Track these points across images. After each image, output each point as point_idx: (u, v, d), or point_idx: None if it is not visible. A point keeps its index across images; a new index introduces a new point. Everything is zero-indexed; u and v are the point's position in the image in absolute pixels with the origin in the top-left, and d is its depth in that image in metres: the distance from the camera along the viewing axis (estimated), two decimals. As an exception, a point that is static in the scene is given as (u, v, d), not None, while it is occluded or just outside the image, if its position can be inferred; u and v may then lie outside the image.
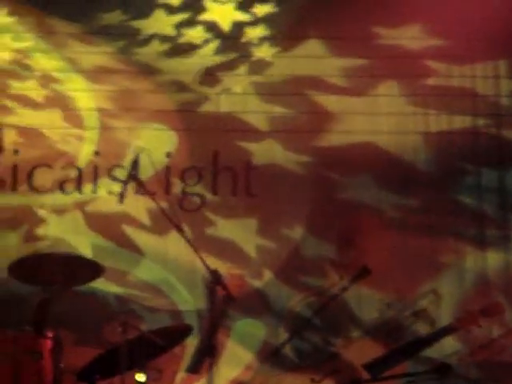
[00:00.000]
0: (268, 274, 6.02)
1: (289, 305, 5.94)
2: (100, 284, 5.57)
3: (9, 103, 6.11)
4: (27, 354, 4.73)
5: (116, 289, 5.90)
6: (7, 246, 5.90)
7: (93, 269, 5.13)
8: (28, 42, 6.18)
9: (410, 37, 6.20)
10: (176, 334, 5.18)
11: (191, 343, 5.68)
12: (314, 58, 6.25)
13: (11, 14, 6.15)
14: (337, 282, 5.84)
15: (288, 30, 6.30)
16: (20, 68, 6.17)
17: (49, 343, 4.79)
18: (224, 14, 6.29)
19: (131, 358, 4.78)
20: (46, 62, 6.20)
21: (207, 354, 4.68)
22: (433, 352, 5.54)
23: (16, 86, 6.15)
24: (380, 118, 6.17)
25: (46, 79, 6.18)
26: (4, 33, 6.17)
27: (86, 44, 6.21)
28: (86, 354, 5.14)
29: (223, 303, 4.74)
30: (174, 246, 5.80)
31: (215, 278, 4.71)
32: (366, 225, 6.03)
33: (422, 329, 5.76)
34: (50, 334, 4.81)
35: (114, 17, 6.21)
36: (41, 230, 6.00)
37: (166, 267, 6.00)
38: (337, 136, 6.19)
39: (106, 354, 4.96)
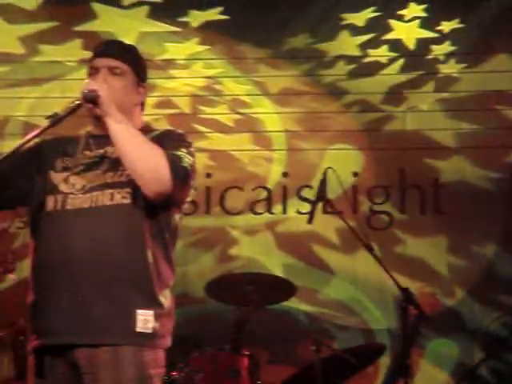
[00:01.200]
0: (460, 293, 5.94)
1: (483, 324, 5.83)
2: (292, 303, 5.67)
3: (201, 128, 6.33)
4: (226, 372, 4.85)
5: (307, 308, 5.99)
6: (203, 266, 6.11)
7: (286, 288, 5.22)
8: (218, 68, 6.40)
9: None
10: (369, 353, 5.17)
11: (384, 363, 5.69)
12: (501, 72, 6.14)
13: (203, 42, 6.39)
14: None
15: (474, 45, 6.22)
16: (211, 94, 6.40)
17: (246, 361, 4.90)
18: (409, 32, 6.28)
19: (325, 377, 4.81)
20: (235, 86, 6.40)
21: (401, 374, 4.65)
22: None
23: (207, 111, 6.37)
24: None
25: (236, 103, 6.38)
26: (196, 60, 6.41)
27: (274, 68, 6.36)
28: (280, 372, 5.24)
29: (416, 322, 4.70)
30: (364, 264, 5.82)
31: (407, 297, 4.68)
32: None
33: None
34: (246, 353, 4.92)
35: (300, 40, 6.32)
36: (234, 251, 6.18)
37: (356, 286, 6.03)
38: (528, 151, 6.05)
39: (300, 372, 5.03)
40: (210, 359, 4.87)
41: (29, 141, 2.83)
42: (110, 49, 3.06)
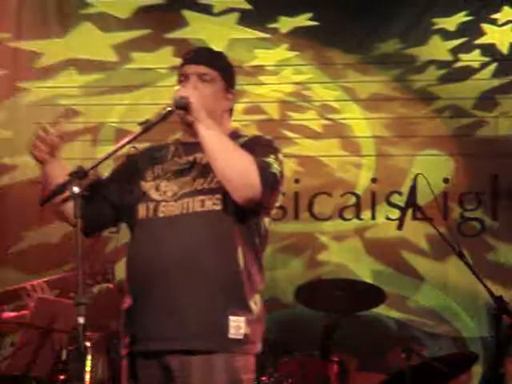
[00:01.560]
0: (555, 301, 5.81)
1: None
2: (381, 309, 5.63)
3: (290, 134, 6.34)
4: (315, 378, 4.85)
5: (397, 314, 5.95)
6: (291, 271, 6.12)
7: (376, 294, 5.19)
8: (307, 74, 6.40)
9: None
10: (461, 361, 5.10)
11: (477, 372, 5.60)
12: None
13: (292, 48, 6.41)
14: None
15: None
16: (300, 99, 6.40)
17: (335, 368, 4.89)
18: (502, 36, 6.19)
19: (415, 384, 4.78)
20: (324, 92, 6.39)
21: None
22: None
23: (296, 117, 6.38)
24: None
25: (325, 109, 6.37)
26: (285, 67, 6.43)
27: (363, 73, 6.33)
28: (369, 379, 5.21)
29: (509, 331, 4.62)
30: (455, 271, 5.76)
31: (500, 305, 4.60)
32: None
33: None
34: (335, 359, 4.91)
35: (390, 46, 6.28)
36: (323, 256, 6.18)
37: (446, 293, 5.96)
38: None
39: (390, 380, 4.99)
40: (299, 365, 4.88)
41: (122, 147, 2.87)
42: (199, 56, 3.08)
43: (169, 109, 2.88)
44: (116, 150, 2.85)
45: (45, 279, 4.32)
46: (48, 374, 4.58)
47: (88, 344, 4.77)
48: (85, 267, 4.20)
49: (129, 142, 2.87)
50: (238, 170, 2.83)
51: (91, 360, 4.65)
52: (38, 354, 4.46)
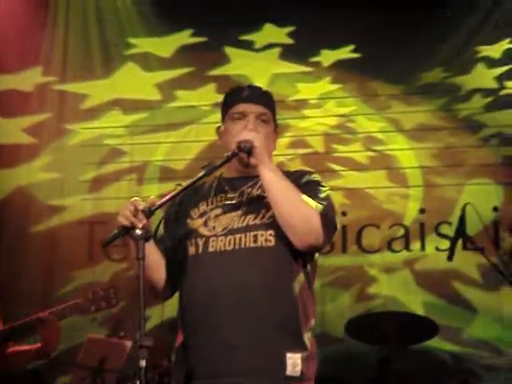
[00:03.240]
0: None
1: None
2: (435, 342, 5.53)
3: (335, 166, 6.31)
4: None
5: (451, 347, 5.84)
6: (341, 305, 6.06)
7: (428, 327, 5.11)
8: (351, 106, 6.39)
9: None
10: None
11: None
12: None
13: (334, 81, 6.41)
14: None
15: None
16: (344, 132, 6.38)
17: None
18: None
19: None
20: (368, 124, 6.37)
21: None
22: None
23: (341, 150, 6.36)
24: None
25: (370, 141, 6.34)
26: (328, 99, 6.42)
27: (407, 104, 6.30)
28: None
29: None
30: (509, 301, 5.65)
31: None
32: None
33: None
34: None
35: (434, 75, 6.25)
36: (372, 289, 6.10)
37: (501, 324, 5.84)
38: None
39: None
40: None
41: (186, 189, 2.86)
42: (256, 95, 3.06)
43: (233, 152, 2.87)
44: (179, 193, 2.85)
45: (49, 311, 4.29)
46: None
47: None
48: (88, 294, 4.23)
49: (192, 184, 2.87)
50: (301, 217, 2.81)
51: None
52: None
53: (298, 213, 2.82)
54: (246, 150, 2.87)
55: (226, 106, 3.07)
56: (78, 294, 4.34)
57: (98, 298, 4.25)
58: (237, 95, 3.06)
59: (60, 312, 4.20)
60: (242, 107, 3.01)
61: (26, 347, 4.27)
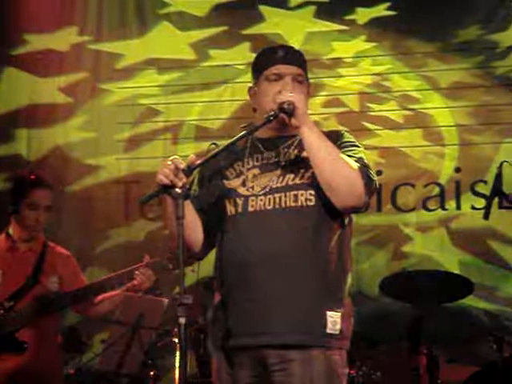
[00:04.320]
0: None
1: None
2: (469, 301, 5.54)
3: (370, 125, 6.29)
4: (404, 370, 4.80)
5: (485, 305, 5.84)
6: (376, 263, 6.07)
7: (463, 285, 5.10)
8: (386, 65, 6.34)
9: None
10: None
11: None
12: None
13: (370, 39, 6.36)
14: None
15: None
16: (379, 91, 6.35)
17: (424, 360, 4.83)
18: None
19: (508, 376, 4.68)
20: (404, 82, 6.32)
21: None
22: None
23: (376, 109, 6.33)
24: None
25: (405, 99, 6.30)
26: (363, 58, 6.38)
27: (443, 62, 6.24)
28: (459, 371, 5.13)
29: None
30: (546, 259, 5.64)
31: None
32: None
33: None
34: (424, 351, 4.85)
35: (471, 32, 6.18)
36: (407, 248, 6.11)
37: (538, 282, 5.84)
38: None
39: (481, 371, 4.91)
40: (387, 357, 4.82)
41: (226, 149, 2.86)
42: (292, 56, 3.04)
43: (274, 113, 2.86)
44: (219, 152, 2.84)
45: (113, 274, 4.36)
46: (138, 370, 4.64)
47: (176, 340, 4.82)
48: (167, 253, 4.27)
49: (233, 143, 2.86)
50: (344, 179, 2.81)
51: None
52: (128, 351, 4.52)
53: (341, 174, 2.81)
54: (288, 111, 2.85)
55: (259, 67, 3.05)
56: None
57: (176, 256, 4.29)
58: (271, 56, 3.04)
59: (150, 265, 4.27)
60: (278, 68, 3.00)
61: (113, 292, 4.36)
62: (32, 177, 4.44)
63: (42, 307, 4.20)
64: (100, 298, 4.38)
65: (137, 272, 4.24)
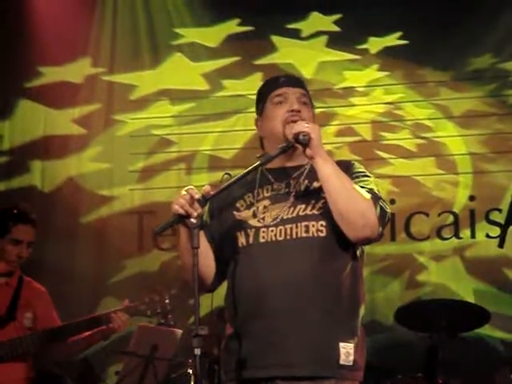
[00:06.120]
0: None
1: None
2: (486, 330, 5.49)
3: (383, 154, 6.28)
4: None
5: (502, 334, 5.80)
6: (391, 292, 6.04)
7: (479, 314, 5.07)
8: (399, 93, 6.35)
9: None
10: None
11: None
12: None
13: (382, 68, 6.37)
14: None
15: None
16: (392, 119, 6.35)
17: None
18: None
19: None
20: (416, 111, 6.32)
21: None
22: None
23: (389, 137, 6.33)
24: None
25: (418, 128, 6.30)
26: (376, 87, 6.39)
27: (456, 90, 6.24)
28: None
29: None
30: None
31: None
32: None
33: None
34: (440, 381, 4.81)
35: (483, 61, 6.17)
36: (422, 277, 6.08)
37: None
38: None
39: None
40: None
41: (241, 178, 2.87)
42: (295, 80, 3.09)
43: (287, 144, 2.86)
44: (234, 182, 2.86)
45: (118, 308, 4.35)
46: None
47: (190, 371, 4.81)
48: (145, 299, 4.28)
49: (248, 173, 2.87)
50: (358, 210, 2.80)
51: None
52: (142, 383, 4.51)
53: (355, 206, 2.81)
54: (305, 142, 2.86)
55: (263, 95, 3.08)
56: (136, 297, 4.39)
57: (153, 302, 4.30)
58: (273, 82, 3.08)
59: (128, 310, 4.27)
60: (282, 90, 3.02)
61: (88, 333, 4.33)
62: (15, 211, 4.40)
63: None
64: (74, 338, 4.34)
65: (113, 315, 4.23)
